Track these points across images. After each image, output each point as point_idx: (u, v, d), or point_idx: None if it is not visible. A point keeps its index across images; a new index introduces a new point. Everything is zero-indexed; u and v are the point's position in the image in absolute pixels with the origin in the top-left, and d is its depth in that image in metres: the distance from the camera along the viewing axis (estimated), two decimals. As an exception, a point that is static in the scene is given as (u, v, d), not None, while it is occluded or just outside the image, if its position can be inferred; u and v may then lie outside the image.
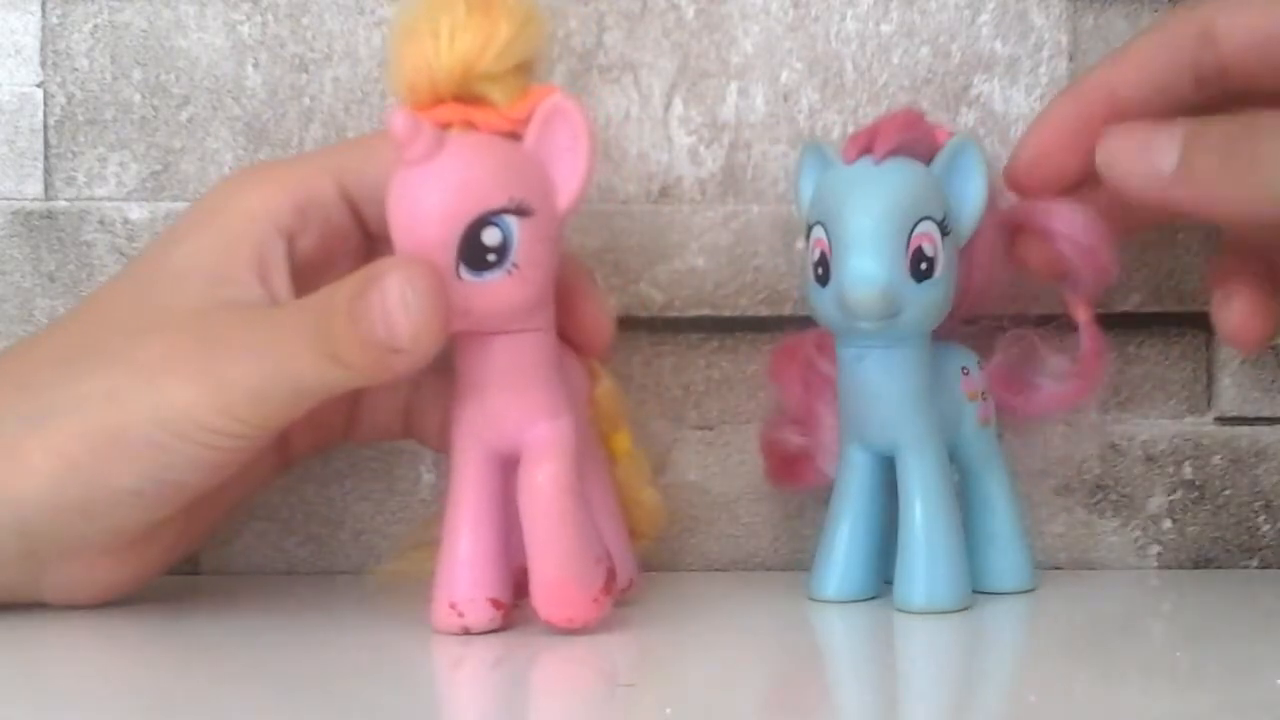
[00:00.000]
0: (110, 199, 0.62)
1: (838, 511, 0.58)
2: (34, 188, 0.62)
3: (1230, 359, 0.64)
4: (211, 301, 0.54)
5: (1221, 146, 0.53)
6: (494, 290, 0.51)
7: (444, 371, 0.53)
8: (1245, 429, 0.64)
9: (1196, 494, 0.64)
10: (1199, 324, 0.62)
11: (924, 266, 0.54)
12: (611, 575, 0.53)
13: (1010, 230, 0.58)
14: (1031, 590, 0.59)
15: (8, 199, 0.62)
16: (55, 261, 0.62)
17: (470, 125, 0.52)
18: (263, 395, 0.52)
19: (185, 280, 0.54)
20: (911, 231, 0.54)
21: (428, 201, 0.51)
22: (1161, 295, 0.63)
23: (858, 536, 0.57)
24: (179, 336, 0.53)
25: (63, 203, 0.62)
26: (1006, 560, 0.59)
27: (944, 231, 0.55)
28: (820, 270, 0.55)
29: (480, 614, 0.53)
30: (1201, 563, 0.64)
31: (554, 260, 0.52)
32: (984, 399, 0.59)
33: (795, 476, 0.60)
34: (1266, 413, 0.63)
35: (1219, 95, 0.57)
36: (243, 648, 0.53)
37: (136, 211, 0.62)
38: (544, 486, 0.52)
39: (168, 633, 0.55)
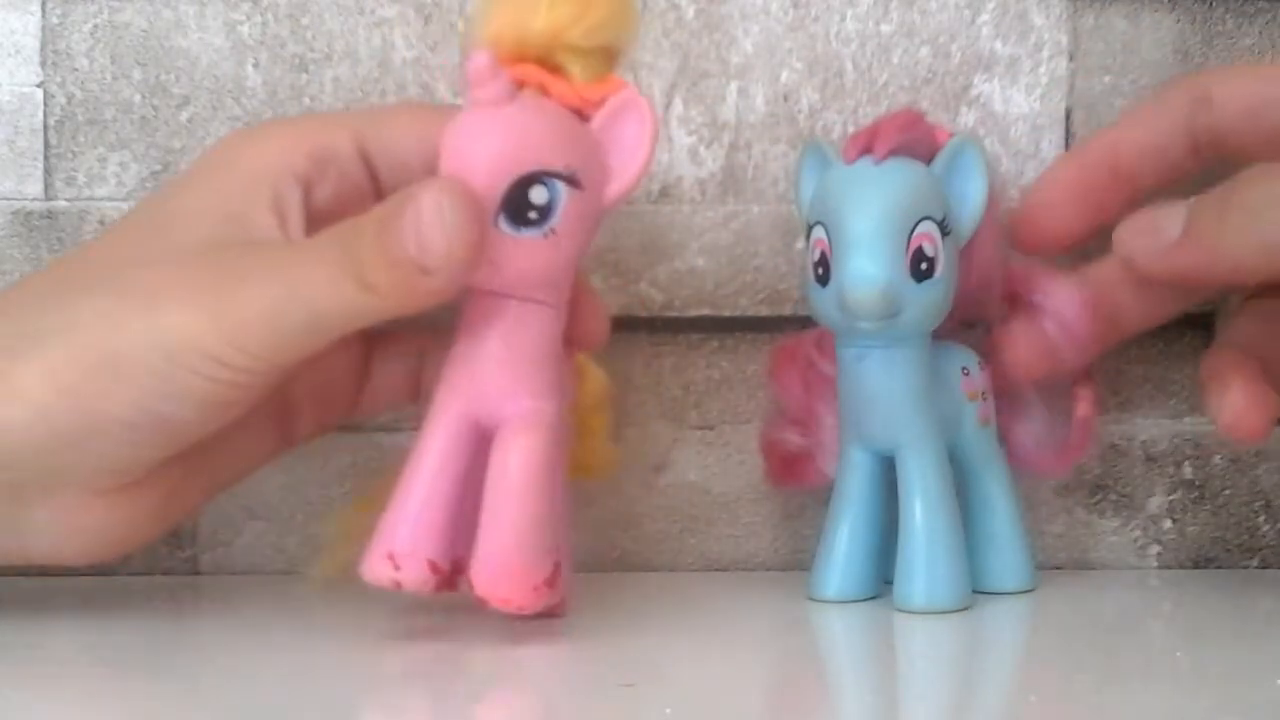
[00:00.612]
0: (110, 199, 0.62)
1: (838, 511, 0.58)
2: (34, 188, 0.62)
3: (1230, 359, 0.64)
4: (224, 238, 0.51)
5: (1217, 203, 0.55)
6: (527, 249, 0.50)
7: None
8: (1245, 429, 0.64)
9: (1196, 494, 0.64)
10: (1199, 324, 0.62)
11: (924, 266, 0.54)
12: (558, 570, 0.51)
13: (1006, 295, 0.58)
14: (1031, 590, 0.59)
15: (8, 199, 0.62)
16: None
17: (543, 91, 0.52)
18: (274, 323, 0.49)
19: (197, 219, 0.52)
20: (911, 231, 0.54)
21: (487, 144, 0.50)
22: (1161, 295, 0.63)
23: (858, 536, 0.57)
24: (185, 266, 0.51)
25: (63, 203, 0.62)
26: (1006, 560, 0.59)
27: (944, 231, 0.55)
28: (820, 270, 0.55)
29: (416, 572, 0.51)
30: (1201, 563, 0.64)
31: (587, 242, 0.52)
32: (984, 399, 0.59)
33: (795, 476, 0.60)
34: (1266, 413, 0.63)
35: (1215, 160, 0.58)
36: (243, 648, 0.53)
37: (136, 211, 0.62)
38: (513, 459, 0.50)
39: (168, 633, 0.55)
